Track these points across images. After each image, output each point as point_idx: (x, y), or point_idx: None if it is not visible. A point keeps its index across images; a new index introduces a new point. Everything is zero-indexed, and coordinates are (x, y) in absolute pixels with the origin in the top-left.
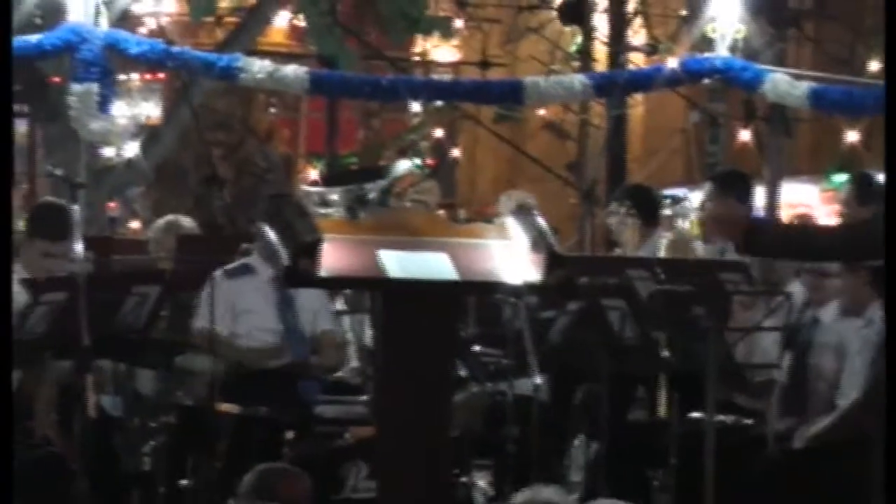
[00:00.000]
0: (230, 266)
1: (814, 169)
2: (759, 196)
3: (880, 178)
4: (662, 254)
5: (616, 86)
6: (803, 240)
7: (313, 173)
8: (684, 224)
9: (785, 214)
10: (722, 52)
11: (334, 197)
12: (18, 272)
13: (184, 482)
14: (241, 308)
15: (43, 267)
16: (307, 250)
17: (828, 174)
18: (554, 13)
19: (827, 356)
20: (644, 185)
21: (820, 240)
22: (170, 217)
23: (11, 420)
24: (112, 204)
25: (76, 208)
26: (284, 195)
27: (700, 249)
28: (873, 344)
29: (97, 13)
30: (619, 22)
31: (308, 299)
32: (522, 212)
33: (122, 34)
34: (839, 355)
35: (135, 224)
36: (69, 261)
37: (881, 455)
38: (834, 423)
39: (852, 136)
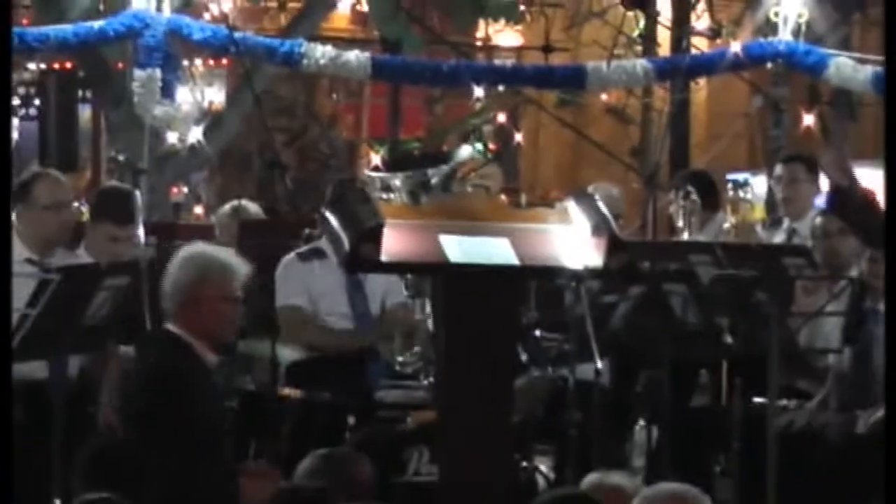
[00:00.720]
0: (302, 249)
1: (878, 153)
2: (824, 181)
3: None
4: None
5: (679, 70)
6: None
7: (376, 158)
8: (747, 208)
9: None
10: (785, 36)
11: (396, 182)
12: (81, 256)
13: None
14: (315, 291)
15: (108, 251)
16: (369, 235)
17: None
18: None
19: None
20: (703, 170)
21: None
22: (235, 202)
23: (11, 419)
24: (176, 189)
25: (139, 193)
26: (347, 180)
27: (763, 234)
28: None
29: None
30: (682, 6)
31: (377, 281)
32: (584, 197)
33: (185, 20)
34: None
35: (198, 209)
36: (133, 245)
37: None
38: None
39: None
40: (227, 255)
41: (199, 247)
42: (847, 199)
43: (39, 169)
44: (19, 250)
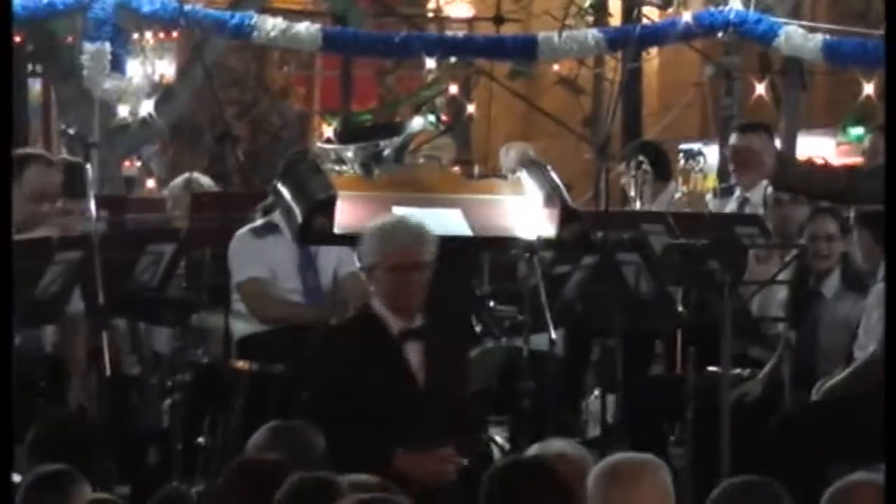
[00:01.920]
0: (255, 224)
1: (830, 122)
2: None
3: None
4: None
5: (630, 40)
6: (830, 176)
7: (328, 131)
8: (699, 178)
9: None
10: (735, 4)
11: (349, 154)
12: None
13: (201, 440)
14: (272, 265)
15: (60, 224)
16: (321, 207)
17: (844, 127)
18: None
19: (834, 334)
20: (654, 140)
21: (843, 179)
22: (188, 175)
23: (11, 418)
24: (128, 163)
25: (90, 167)
26: (299, 152)
27: (714, 203)
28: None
29: None
30: None
31: (329, 256)
32: (535, 167)
33: None
34: (847, 332)
35: (151, 183)
36: (85, 219)
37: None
38: (851, 375)
39: (868, 89)
40: (412, 222)
41: (389, 215)
42: (785, 174)
43: (34, 150)
44: None
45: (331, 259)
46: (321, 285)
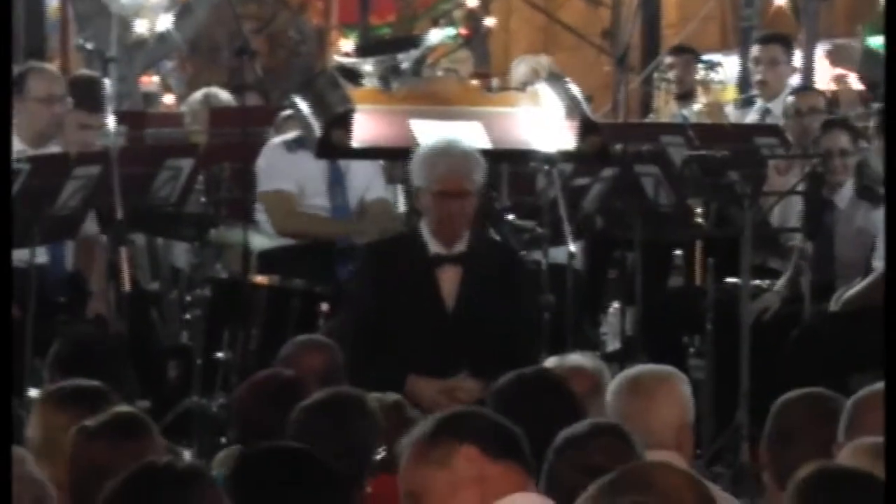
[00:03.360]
0: (287, 137)
1: (850, 31)
2: (797, 58)
3: None
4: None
5: None
6: None
7: (346, 45)
8: (719, 89)
9: (822, 77)
10: None
11: (367, 67)
12: (52, 146)
13: (220, 354)
14: (301, 180)
15: (79, 139)
16: (339, 121)
17: (864, 37)
18: None
19: (848, 245)
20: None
21: None
22: (206, 89)
23: (11, 417)
24: (146, 79)
25: (108, 82)
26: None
27: (735, 114)
28: None
29: None
30: None
31: (359, 174)
32: (555, 79)
33: None
34: (861, 243)
35: (169, 99)
36: (104, 134)
37: None
38: (870, 285)
39: None
40: (462, 147)
41: (424, 128)
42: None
43: (32, 63)
44: (15, 144)
45: (360, 178)
46: (348, 204)
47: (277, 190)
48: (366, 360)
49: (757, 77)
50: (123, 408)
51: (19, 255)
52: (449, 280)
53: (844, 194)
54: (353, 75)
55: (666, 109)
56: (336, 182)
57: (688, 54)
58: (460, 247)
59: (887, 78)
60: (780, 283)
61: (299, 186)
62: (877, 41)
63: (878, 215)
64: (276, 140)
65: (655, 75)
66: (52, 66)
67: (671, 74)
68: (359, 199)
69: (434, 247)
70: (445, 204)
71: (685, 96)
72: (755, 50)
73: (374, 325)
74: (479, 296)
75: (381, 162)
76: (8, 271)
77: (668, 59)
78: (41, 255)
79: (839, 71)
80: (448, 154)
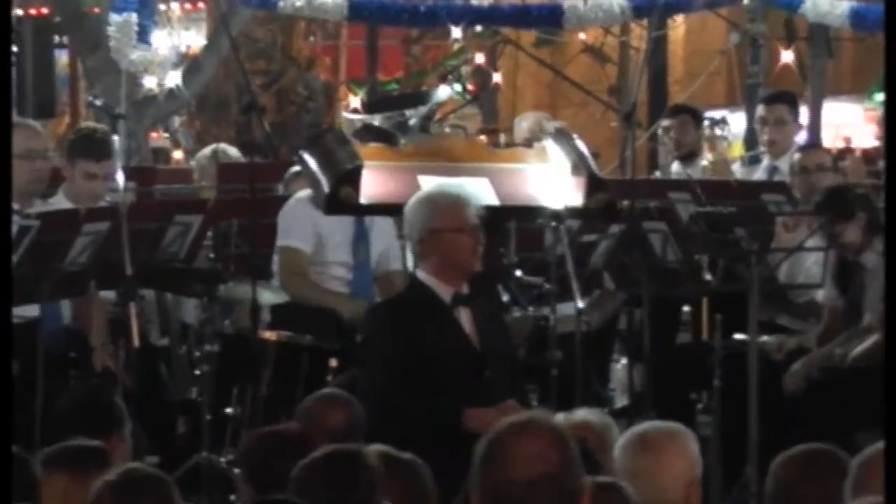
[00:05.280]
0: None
1: (856, 88)
2: (803, 116)
3: None
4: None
5: (655, 7)
6: None
7: (355, 101)
8: (725, 146)
9: (828, 135)
10: None
11: (375, 123)
12: (60, 202)
13: (229, 410)
14: (321, 235)
15: (86, 189)
16: (348, 177)
17: (870, 93)
18: None
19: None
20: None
21: None
22: (215, 145)
23: (11, 417)
24: (156, 135)
25: (116, 137)
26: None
27: (742, 171)
28: None
29: None
30: None
31: (381, 235)
32: (562, 135)
33: None
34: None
35: (178, 154)
36: (112, 181)
37: None
38: (878, 342)
39: None
40: (458, 186)
41: (432, 184)
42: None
43: (15, 118)
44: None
45: (382, 237)
46: (371, 260)
47: (290, 247)
48: (414, 412)
49: (764, 137)
50: (131, 464)
51: (20, 312)
52: (466, 320)
53: (873, 254)
54: (381, 133)
55: (669, 169)
56: (360, 238)
57: (684, 115)
58: (465, 287)
59: (887, 77)
60: (811, 336)
61: (321, 241)
62: (882, 97)
63: None
64: (302, 193)
65: (659, 132)
66: (34, 122)
67: (667, 137)
68: (379, 262)
69: (445, 290)
70: (457, 240)
71: (687, 156)
72: (761, 110)
73: (409, 378)
74: (493, 330)
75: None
76: (8, 269)
77: (665, 122)
78: (32, 309)
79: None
80: (445, 195)
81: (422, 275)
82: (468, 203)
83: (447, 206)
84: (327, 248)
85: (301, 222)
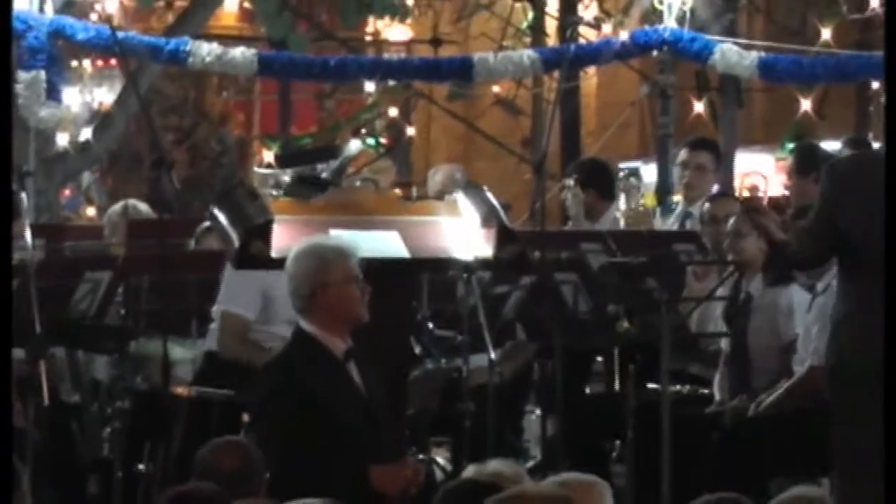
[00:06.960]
0: None
1: (768, 139)
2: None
3: (824, 146)
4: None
5: (565, 60)
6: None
7: (268, 155)
8: (640, 197)
9: (738, 183)
10: (670, 23)
11: (286, 178)
12: None
13: (141, 467)
14: (270, 294)
15: None
16: (258, 232)
17: (782, 143)
18: None
19: (762, 336)
20: (599, 159)
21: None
22: (125, 201)
23: (10, 419)
24: (68, 192)
25: (24, 196)
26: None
27: (658, 221)
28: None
29: (42, 0)
30: None
31: None
32: (472, 188)
33: (68, 20)
34: (774, 332)
35: (91, 211)
36: (20, 239)
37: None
38: (790, 390)
39: (806, 105)
40: (339, 239)
41: (312, 239)
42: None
43: None
44: None
45: None
46: None
47: (231, 313)
48: (321, 467)
49: (683, 180)
50: None
51: None
52: (354, 372)
53: (757, 280)
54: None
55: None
56: None
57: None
58: (350, 340)
59: (887, 79)
60: (714, 386)
61: (268, 300)
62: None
63: (816, 299)
64: None
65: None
66: None
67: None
68: None
69: (333, 345)
70: (349, 291)
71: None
72: (683, 154)
73: (310, 435)
74: (374, 381)
75: None
76: (8, 270)
77: (568, 181)
78: None
79: (754, 177)
80: (331, 247)
81: (309, 328)
82: (353, 254)
83: (334, 259)
84: (276, 304)
85: (246, 287)
